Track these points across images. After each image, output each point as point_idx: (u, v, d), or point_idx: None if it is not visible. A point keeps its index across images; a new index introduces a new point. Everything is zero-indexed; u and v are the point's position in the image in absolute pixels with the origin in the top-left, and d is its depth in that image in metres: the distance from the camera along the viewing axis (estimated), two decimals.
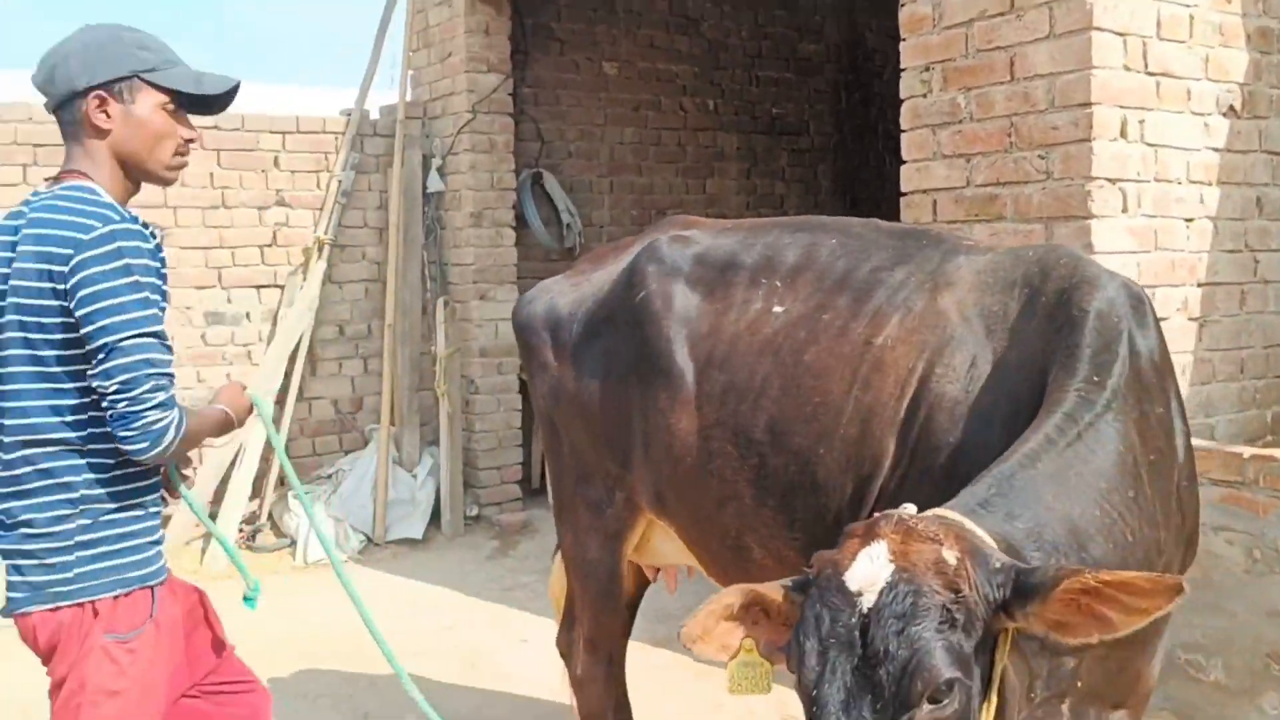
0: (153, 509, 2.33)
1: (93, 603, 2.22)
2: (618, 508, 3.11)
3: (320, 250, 6.64)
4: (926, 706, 1.67)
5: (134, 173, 2.33)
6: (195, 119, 2.39)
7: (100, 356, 2.15)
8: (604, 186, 7.91)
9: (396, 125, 6.86)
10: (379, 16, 7.14)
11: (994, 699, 1.78)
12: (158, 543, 2.33)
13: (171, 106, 2.32)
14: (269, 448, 6.47)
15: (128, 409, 2.13)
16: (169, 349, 2.22)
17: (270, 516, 6.47)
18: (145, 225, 2.25)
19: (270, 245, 6.63)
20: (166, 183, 2.42)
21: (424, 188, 6.93)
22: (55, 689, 2.26)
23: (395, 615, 5.35)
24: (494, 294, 6.87)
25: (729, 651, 1.90)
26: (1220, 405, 3.98)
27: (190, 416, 2.24)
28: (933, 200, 4.10)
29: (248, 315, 6.58)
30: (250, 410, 2.51)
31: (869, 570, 1.72)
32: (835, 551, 1.77)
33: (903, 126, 4.20)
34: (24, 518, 2.22)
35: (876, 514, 1.84)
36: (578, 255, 7.73)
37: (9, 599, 2.24)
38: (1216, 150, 3.93)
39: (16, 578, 2.23)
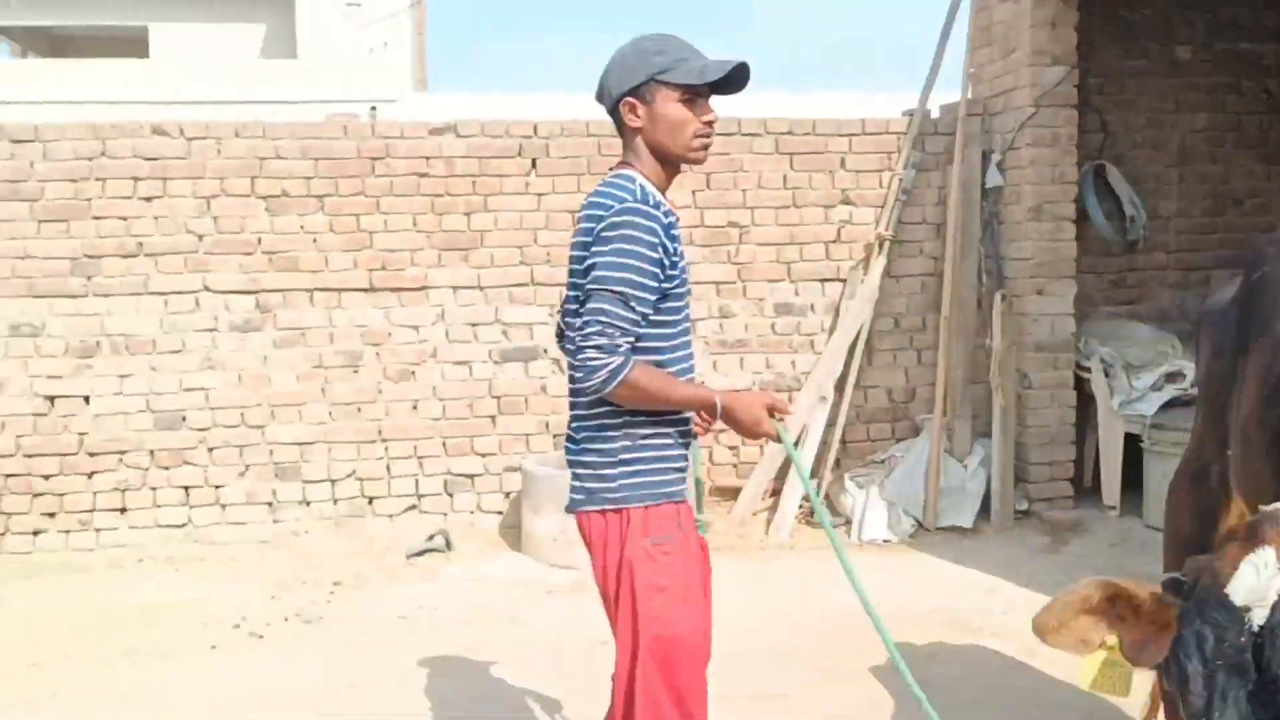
0: (680, 440, 2.73)
1: (629, 510, 2.65)
2: (1212, 481, 3.11)
3: (881, 246, 6.97)
4: None
5: (667, 158, 2.72)
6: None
7: (583, 300, 2.62)
8: (1172, 177, 7.52)
9: (957, 123, 7.02)
10: (941, 20, 7.32)
11: None
12: (681, 470, 2.73)
13: (687, 97, 2.66)
14: (829, 430, 6.92)
15: (579, 343, 2.56)
16: (631, 308, 2.56)
17: (827, 496, 6.91)
18: (657, 206, 2.63)
19: (835, 241, 7.06)
20: (695, 162, 2.76)
21: (982, 184, 7.03)
22: (601, 578, 2.72)
23: (949, 596, 5.56)
24: (1051, 289, 6.81)
25: (1088, 647, 1.76)
26: None
27: (649, 376, 2.59)
28: None
29: (812, 307, 7.07)
30: (761, 429, 2.71)
31: (1255, 582, 1.51)
32: (1212, 558, 1.59)
33: None
34: (585, 435, 2.70)
35: (1260, 512, 1.60)
36: (1140, 249, 7.45)
37: (571, 499, 2.75)
38: None
39: (577, 484, 2.73)
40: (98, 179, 6.47)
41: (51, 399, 6.49)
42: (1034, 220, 6.77)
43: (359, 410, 6.70)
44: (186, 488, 6.59)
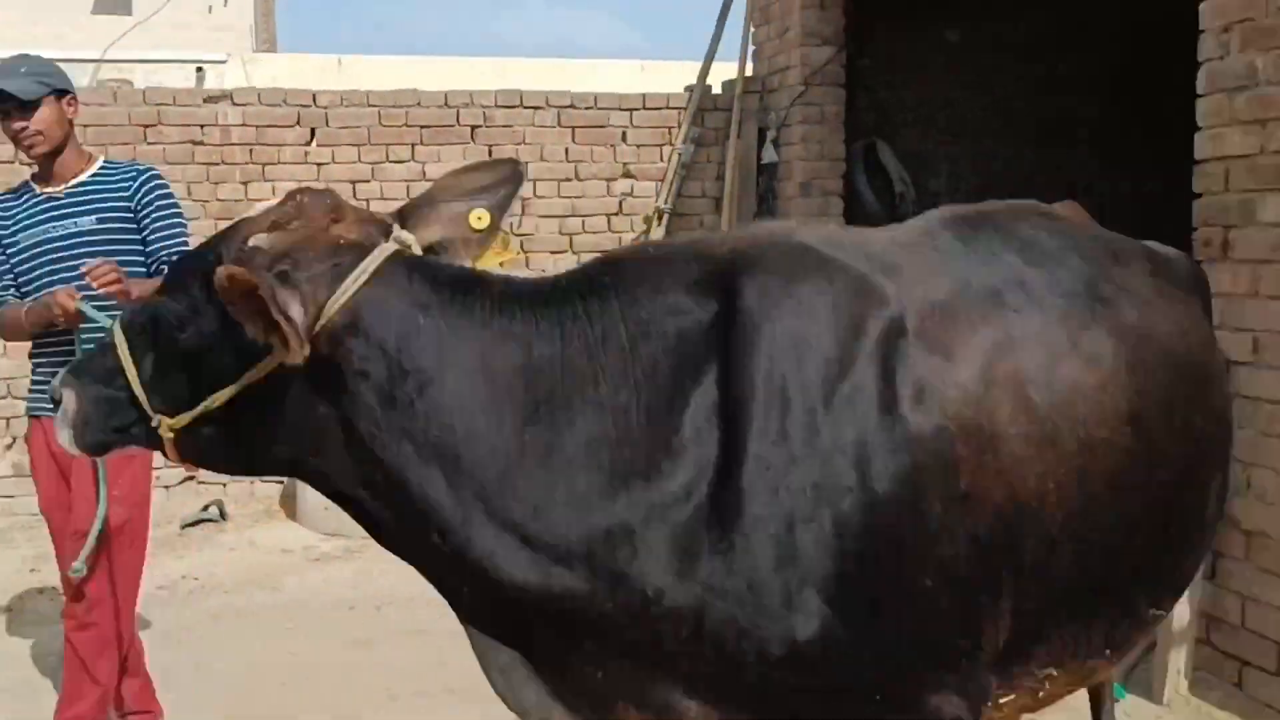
0: (49, 360, 3.31)
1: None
2: None
3: (660, 219, 7.16)
4: None
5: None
6: None
7: None
8: (941, 156, 7.88)
9: (735, 100, 7.23)
10: None
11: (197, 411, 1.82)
12: (37, 387, 3.39)
13: (2, 111, 3.31)
14: None
15: None
16: None
17: None
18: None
19: (617, 214, 7.23)
20: (31, 156, 3.40)
21: (759, 159, 7.26)
22: None
23: None
24: None
25: None
26: None
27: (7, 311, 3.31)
28: (1225, 169, 3.92)
29: None
30: (54, 310, 3.12)
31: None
32: None
33: (1199, 91, 4.03)
34: None
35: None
36: None
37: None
38: None
39: None
40: None
41: None
42: (803, 196, 7.02)
43: None
44: None
